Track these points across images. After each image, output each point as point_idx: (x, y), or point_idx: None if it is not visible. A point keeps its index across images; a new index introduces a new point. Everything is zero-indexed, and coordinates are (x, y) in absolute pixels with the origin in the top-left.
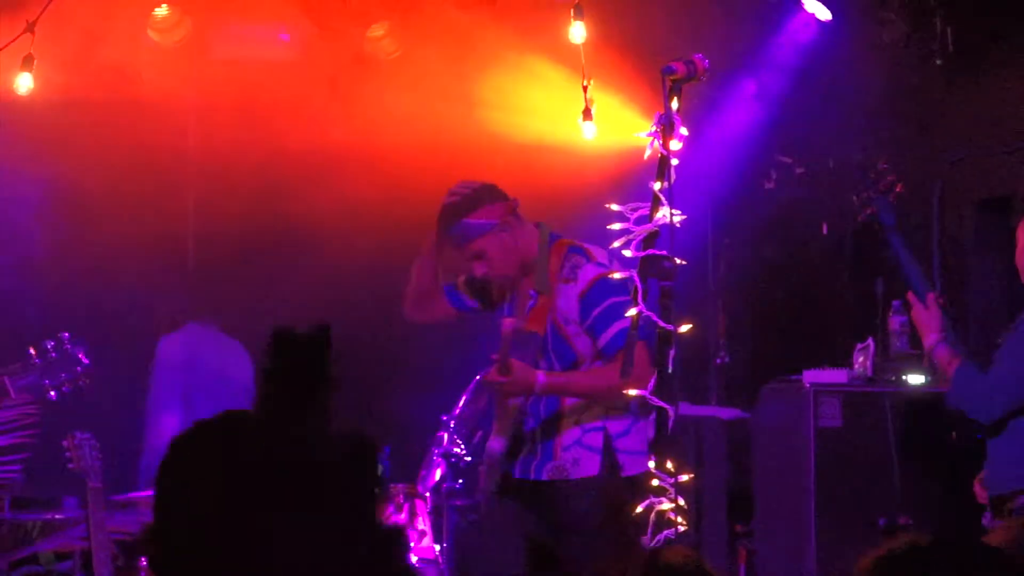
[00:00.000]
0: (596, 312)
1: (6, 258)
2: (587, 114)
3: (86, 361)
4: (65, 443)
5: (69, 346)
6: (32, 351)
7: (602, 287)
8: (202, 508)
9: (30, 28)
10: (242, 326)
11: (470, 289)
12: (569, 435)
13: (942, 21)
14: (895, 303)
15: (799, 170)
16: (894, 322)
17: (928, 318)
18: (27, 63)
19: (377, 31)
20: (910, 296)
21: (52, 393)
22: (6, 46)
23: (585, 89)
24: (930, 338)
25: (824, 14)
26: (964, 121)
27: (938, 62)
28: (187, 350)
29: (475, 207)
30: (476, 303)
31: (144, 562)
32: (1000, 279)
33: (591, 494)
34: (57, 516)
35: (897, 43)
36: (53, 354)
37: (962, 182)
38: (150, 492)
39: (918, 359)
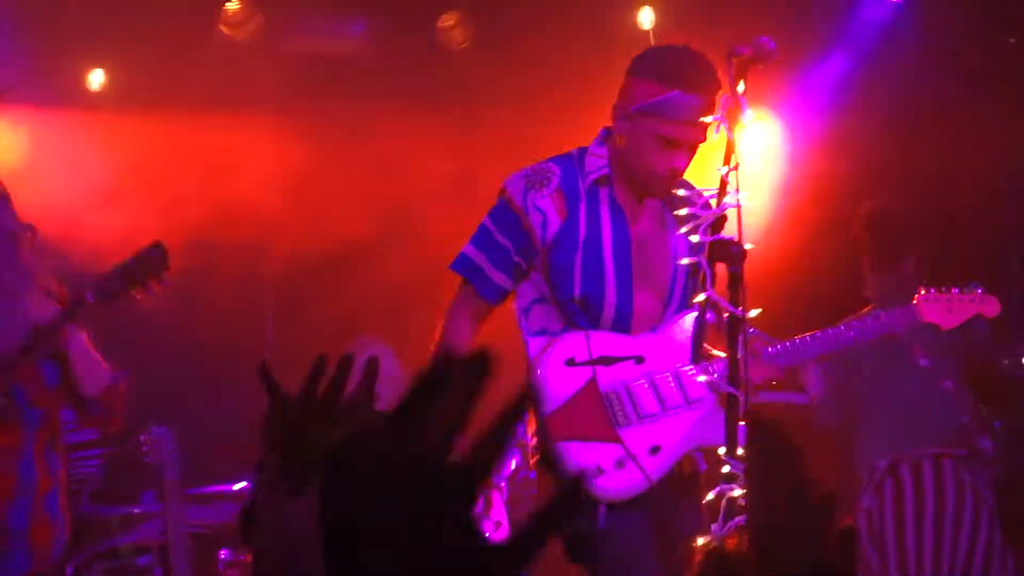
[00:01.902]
0: None
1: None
2: None
3: (165, 263)
4: (142, 437)
5: (147, 252)
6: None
7: None
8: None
9: None
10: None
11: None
12: None
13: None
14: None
15: None
16: None
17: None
18: None
19: (447, 21)
20: None
21: (138, 296)
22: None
23: None
24: None
25: None
26: None
27: (1011, 40)
28: None
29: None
30: None
31: (222, 555)
32: None
33: None
34: (135, 510)
35: (969, 23)
36: (131, 261)
37: None
38: (226, 486)
39: None
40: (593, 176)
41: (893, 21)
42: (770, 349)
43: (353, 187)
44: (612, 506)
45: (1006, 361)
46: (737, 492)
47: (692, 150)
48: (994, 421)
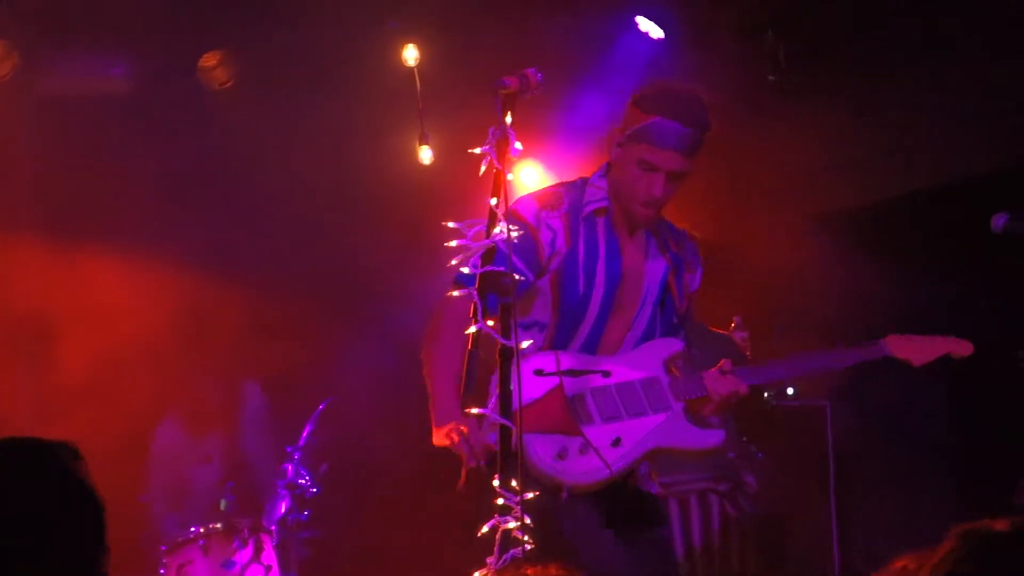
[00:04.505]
0: None
1: None
2: (423, 138)
3: None
4: None
5: None
6: None
7: None
8: None
9: None
10: None
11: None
12: None
13: (774, 37)
14: None
15: None
16: None
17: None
18: None
19: (209, 60)
20: None
21: None
22: None
23: (420, 114)
24: None
25: (656, 32)
26: (797, 135)
27: (771, 78)
28: None
29: None
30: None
31: None
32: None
33: None
34: None
35: (730, 59)
36: None
37: (790, 197)
38: None
39: None
40: (592, 207)
41: (654, 57)
42: (740, 369)
43: (115, 227)
44: (573, 491)
45: (766, 394)
46: (512, 524)
47: (671, 179)
48: (757, 452)
